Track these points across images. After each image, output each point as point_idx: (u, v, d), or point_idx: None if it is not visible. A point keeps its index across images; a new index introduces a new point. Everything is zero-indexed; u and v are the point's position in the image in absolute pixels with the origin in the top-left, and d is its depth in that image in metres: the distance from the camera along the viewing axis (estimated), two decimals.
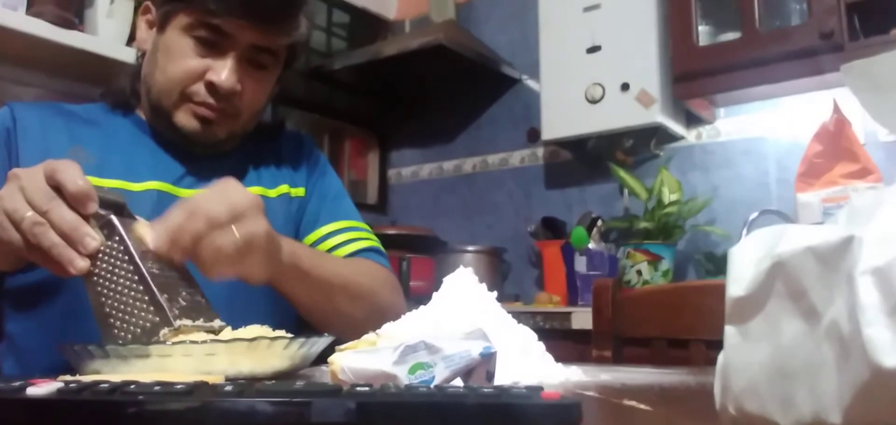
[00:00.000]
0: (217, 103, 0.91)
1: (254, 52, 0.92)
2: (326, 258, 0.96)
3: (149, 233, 0.69)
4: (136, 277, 0.65)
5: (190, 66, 0.90)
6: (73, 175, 0.65)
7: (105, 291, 0.65)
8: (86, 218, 0.65)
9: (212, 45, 0.90)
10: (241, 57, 0.91)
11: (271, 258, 0.76)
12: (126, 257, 0.65)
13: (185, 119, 0.92)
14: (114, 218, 0.66)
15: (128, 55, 1.67)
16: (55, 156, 0.68)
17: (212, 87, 0.90)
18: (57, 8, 1.66)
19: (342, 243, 1.03)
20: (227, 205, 0.71)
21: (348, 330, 0.67)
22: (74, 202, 0.65)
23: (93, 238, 0.65)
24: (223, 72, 0.89)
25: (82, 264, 0.64)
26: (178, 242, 0.69)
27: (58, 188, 0.65)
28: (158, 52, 0.93)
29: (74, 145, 0.91)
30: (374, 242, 1.07)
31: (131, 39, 1.76)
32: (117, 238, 0.66)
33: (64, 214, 0.64)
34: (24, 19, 1.61)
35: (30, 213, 0.64)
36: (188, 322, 0.65)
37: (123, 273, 0.65)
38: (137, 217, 0.74)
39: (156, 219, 0.71)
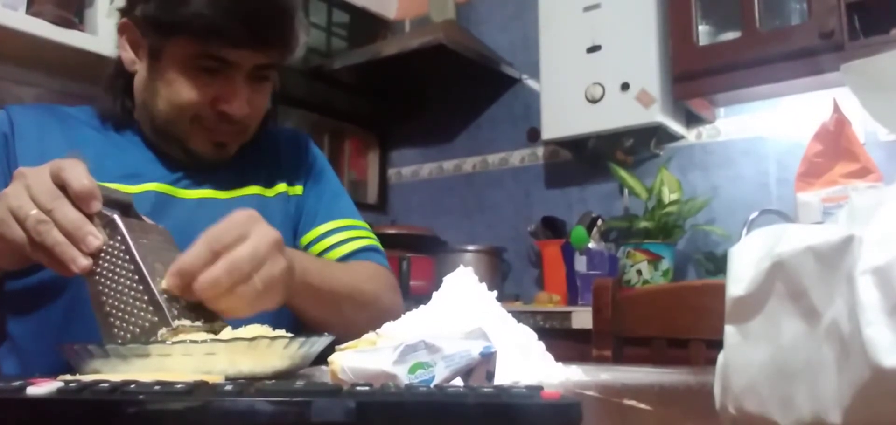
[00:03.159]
0: (230, 127, 0.92)
1: (256, 68, 0.92)
2: (333, 268, 0.96)
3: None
4: (137, 277, 0.65)
5: (197, 96, 0.89)
6: (78, 174, 0.65)
7: (106, 290, 0.65)
8: (90, 217, 0.65)
9: (216, 72, 0.89)
10: (246, 77, 0.91)
11: (286, 290, 0.75)
12: (127, 256, 0.65)
13: (201, 145, 0.93)
14: (117, 217, 0.66)
15: None
16: (53, 159, 0.68)
17: (223, 115, 0.90)
18: (57, 8, 1.66)
19: (340, 242, 1.03)
20: (250, 251, 0.68)
21: (351, 336, 0.66)
22: (78, 201, 0.65)
23: (95, 237, 0.65)
24: (234, 101, 0.90)
25: (84, 262, 0.64)
26: (195, 289, 0.66)
27: (63, 187, 0.65)
28: (158, 82, 0.91)
29: (72, 148, 0.91)
30: (373, 240, 1.06)
31: None
32: (119, 237, 0.66)
33: (67, 213, 0.64)
34: (24, 19, 1.61)
35: (34, 211, 0.64)
36: (187, 322, 0.65)
37: (124, 272, 0.65)
38: (144, 216, 0.74)
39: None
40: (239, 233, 0.68)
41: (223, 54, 0.87)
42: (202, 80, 0.89)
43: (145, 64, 0.93)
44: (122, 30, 0.95)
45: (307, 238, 1.03)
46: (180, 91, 0.89)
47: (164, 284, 0.66)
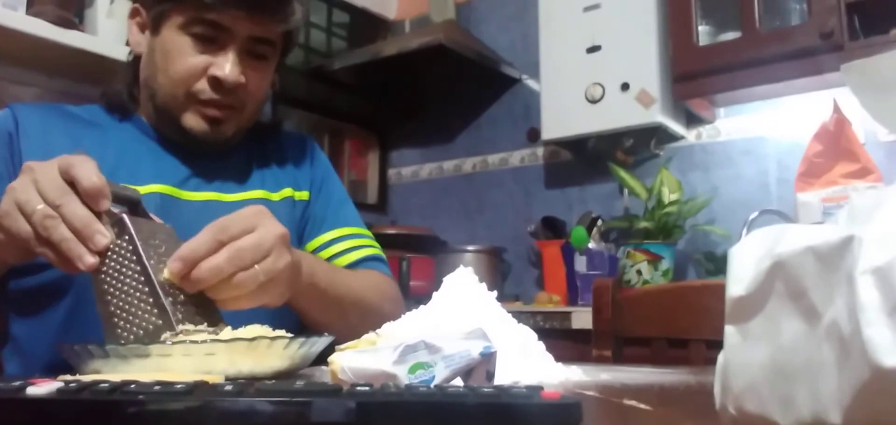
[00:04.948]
0: (223, 99, 0.91)
1: (252, 43, 0.92)
2: (341, 274, 0.96)
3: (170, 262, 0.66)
4: (143, 278, 0.65)
5: (191, 63, 0.89)
6: (88, 170, 0.65)
7: (111, 290, 0.65)
8: (98, 215, 0.65)
9: (210, 41, 0.90)
10: (241, 49, 0.91)
11: (290, 287, 0.75)
12: (134, 257, 0.65)
13: (193, 121, 0.92)
14: (125, 216, 0.66)
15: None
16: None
17: (216, 83, 0.90)
18: (57, 8, 1.66)
19: (346, 250, 1.03)
20: (255, 242, 0.68)
21: (352, 340, 0.67)
22: (88, 198, 0.64)
23: (103, 235, 0.64)
24: (226, 66, 0.89)
25: (91, 260, 0.63)
26: (196, 278, 0.65)
27: (72, 183, 0.65)
28: (156, 55, 0.92)
29: (76, 147, 0.91)
30: (376, 250, 1.07)
31: None
32: (127, 237, 0.65)
33: (76, 209, 0.64)
34: (24, 19, 1.60)
35: (41, 206, 0.63)
36: (191, 326, 0.64)
37: (130, 273, 0.65)
38: (152, 215, 0.74)
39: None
40: (245, 225, 0.69)
41: (215, 17, 0.88)
42: (197, 47, 0.90)
43: (148, 42, 0.94)
44: (132, 14, 0.98)
45: (313, 245, 1.04)
46: (176, 60, 0.90)
47: (166, 273, 0.65)
